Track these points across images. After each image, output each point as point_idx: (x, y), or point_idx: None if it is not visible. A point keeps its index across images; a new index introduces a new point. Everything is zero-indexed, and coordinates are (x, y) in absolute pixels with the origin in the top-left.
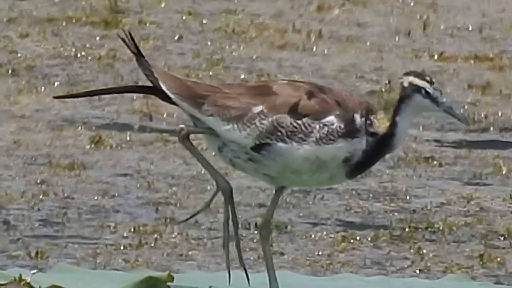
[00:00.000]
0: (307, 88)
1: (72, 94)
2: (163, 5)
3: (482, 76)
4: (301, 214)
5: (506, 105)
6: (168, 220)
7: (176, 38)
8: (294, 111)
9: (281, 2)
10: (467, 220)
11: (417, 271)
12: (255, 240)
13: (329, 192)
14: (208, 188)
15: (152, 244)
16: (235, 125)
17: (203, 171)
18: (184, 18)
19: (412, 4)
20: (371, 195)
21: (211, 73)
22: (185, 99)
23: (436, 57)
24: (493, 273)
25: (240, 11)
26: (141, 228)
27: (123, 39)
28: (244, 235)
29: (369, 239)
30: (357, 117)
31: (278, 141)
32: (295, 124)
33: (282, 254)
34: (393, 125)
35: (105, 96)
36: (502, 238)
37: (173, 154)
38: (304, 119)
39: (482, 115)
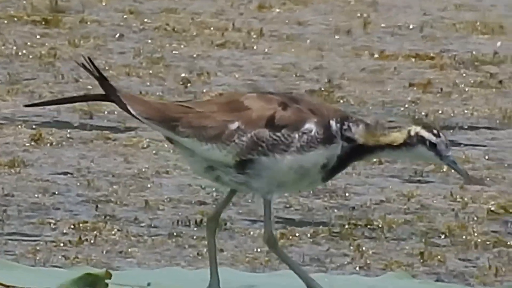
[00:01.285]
0: (279, 100)
1: (42, 102)
2: (104, 4)
3: (423, 74)
4: (240, 211)
5: (447, 103)
6: (108, 217)
7: (117, 36)
8: (271, 123)
9: (221, 0)
10: (407, 218)
11: (357, 268)
12: (194, 237)
13: None
14: (148, 185)
15: (92, 241)
16: (214, 145)
17: (143, 169)
18: (125, 16)
19: (352, 2)
20: (310, 192)
21: (151, 72)
22: (157, 123)
23: (376, 55)
24: (433, 270)
25: (181, 10)
26: (81, 225)
27: (83, 65)
28: (184, 232)
29: (309, 235)
30: (333, 123)
31: (260, 156)
32: (274, 137)
33: (221, 251)
34: (379, 147)
35: (45, 94)
36: (442, 236)
37: (114, 152)
38: (283, 131)
39: (423, 113)
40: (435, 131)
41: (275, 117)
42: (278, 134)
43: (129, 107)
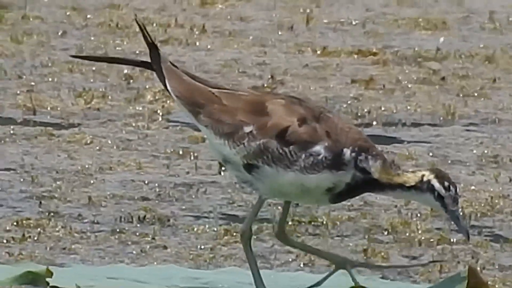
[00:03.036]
0: (301, 114)
1: (87, 56)
2: (46, 0)
3: (365, 70)
4: (184, 207)
5: (389, 99)
6: (51, 214)
7: (60, 33)
8: (282, 137)
9: None
10: (351, 215)
11: (302, 265)
12: (138, 234)
13: (212, 185)
14: (92, 182)
15: (36, 238)
16: (226, 141)
17: (86, 166)
18: (68, 13)
19: None
20: None
21: (94, 68)
22: (185, 104)
23: (319, 51)
24: None
25: (124, 6)
26: (24, 221)
27: (140, 28)
28: (127, 228)
29: (253, 232)
30: (347, 151)
31: (264, 164)
32: (281, 151)
33: (165, 247)
34: (391, 185)
35: None
36: (385, 233)
37: (57, 148)
38: (291, 147)
39: (365, 110)
40: (446, 184)
41: (287, 131)
42: (286, 149)
43: (166, 81)
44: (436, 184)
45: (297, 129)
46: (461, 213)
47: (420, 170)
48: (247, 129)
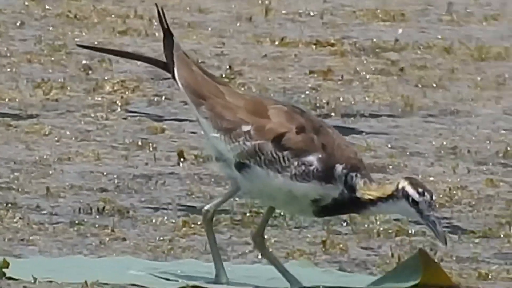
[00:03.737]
0: (300, 122)
1: (93, 47)
2: None
3: (323, 61)
4: (142, 199)
5: (348, 90)
6: (9, 205)
7: (18, 24)
8: (278, 141)
9: None
10: None
11: (259, 257)
12: (96, 226)
13: (170, 177)
14: (50, 172)
15: None
16: (223, 137)
17: (45, 157)
18: (26, 3)
19: None
20: (212, 179)
21: (52, 59)
22: (189, 93)
23: (277, 42)
24: (335, 259)
25: None
26: None
27: (158, 13)
28: (85, 220)
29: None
30: (339, 167)
31: (256, 165)
32: (275, 155)
33: (124, 239)
34: (371, 201)
35: None
36: (344, 224)
37: (15, 139)
38: (285, 152)
39: (324, 101)
40: (420, 190)
41: (283, 137)
42: (279, 153)
43: (175, 68)
44: (410, 190)
45: (294, 136)
46: (437, 219)
47: (396, 179)
48: (245, 128)
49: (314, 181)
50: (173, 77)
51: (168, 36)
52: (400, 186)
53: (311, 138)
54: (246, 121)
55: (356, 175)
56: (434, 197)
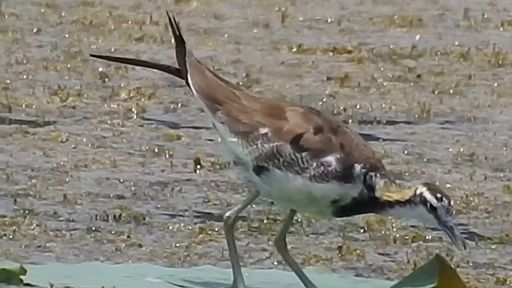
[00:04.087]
0: (318, 123)
1: (107, 56)
2: None
3: (340, 68)
4: (159, 206)
5: (365, 97)
6: (26, 212)
7: (34, 30)
8: (296, 142)
9: None
10: None
11: (275, 263)
12: (113, 232)
13: (187, 184)
14: (67, 179)
15: (11, 236)
16: (240, 141)
17: (62, 163)
18: (42, 10)
19: None
20: (229, 186)
21: (69, 66)
22: (204, 99)
23: (294, 49)
24: (352, 265)
25: (98, 3)
26: None
27: (170, 20)
28: (102, 226)
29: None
30: (357, 166)
31: (275, 167)
32: (293, 156)
33: (140, 246)
34: (389, 203)
35: None
36: (361, 231)
37: (33, 146)
38: (304, 153)
39: (341, 108)
40: (438, 195)
41: (302, 138)
42: (298, 155)
43: (188, 75)
44: (428, 195)
45: (312, 137)
46: (455, 224)
47: (415, 184)
48: (263, 130)
49: (334, 181)
50: (187, 84)
51: (180, 43)
52: (418, 192)
53: (329, 138)
54: (263, 124)
55: (375, 175)
56: (452, 203)
